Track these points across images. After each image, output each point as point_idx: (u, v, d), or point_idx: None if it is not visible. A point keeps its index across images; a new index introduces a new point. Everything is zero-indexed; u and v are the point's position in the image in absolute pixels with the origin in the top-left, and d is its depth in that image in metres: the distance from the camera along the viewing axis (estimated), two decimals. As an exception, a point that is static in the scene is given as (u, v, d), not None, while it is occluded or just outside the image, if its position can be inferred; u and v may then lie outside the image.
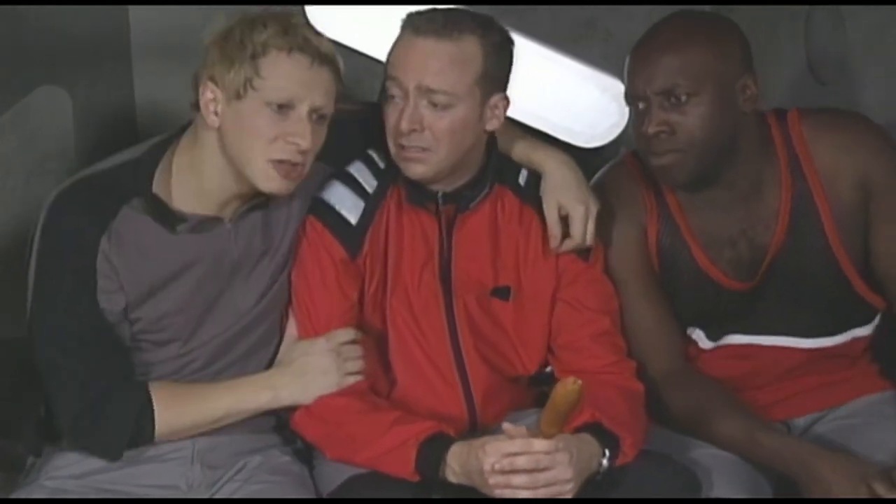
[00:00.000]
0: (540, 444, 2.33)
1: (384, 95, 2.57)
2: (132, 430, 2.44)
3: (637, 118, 2.58)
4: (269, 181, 2.43)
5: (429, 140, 2.50)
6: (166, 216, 2.44)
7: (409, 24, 2.51)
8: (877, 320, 2.72)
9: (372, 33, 3.04)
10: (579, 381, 2.26)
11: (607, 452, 2.40)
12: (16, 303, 2.53)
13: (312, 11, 3.13)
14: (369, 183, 2.58)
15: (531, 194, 2.62)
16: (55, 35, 3.19)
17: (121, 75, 3.39)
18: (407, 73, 2.49)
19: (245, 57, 2.39)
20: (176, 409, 2.46)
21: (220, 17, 2.44)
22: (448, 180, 2.57)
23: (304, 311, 2.55)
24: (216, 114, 2.42)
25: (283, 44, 2.40)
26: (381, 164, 2.59)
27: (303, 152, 2.42)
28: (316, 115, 2.43)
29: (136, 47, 3.41)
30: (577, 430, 2.40)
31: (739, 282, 2.65)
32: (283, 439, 2.61)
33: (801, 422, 2.73)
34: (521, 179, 2.63)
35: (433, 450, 2.41)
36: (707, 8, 3.09)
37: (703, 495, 2.49)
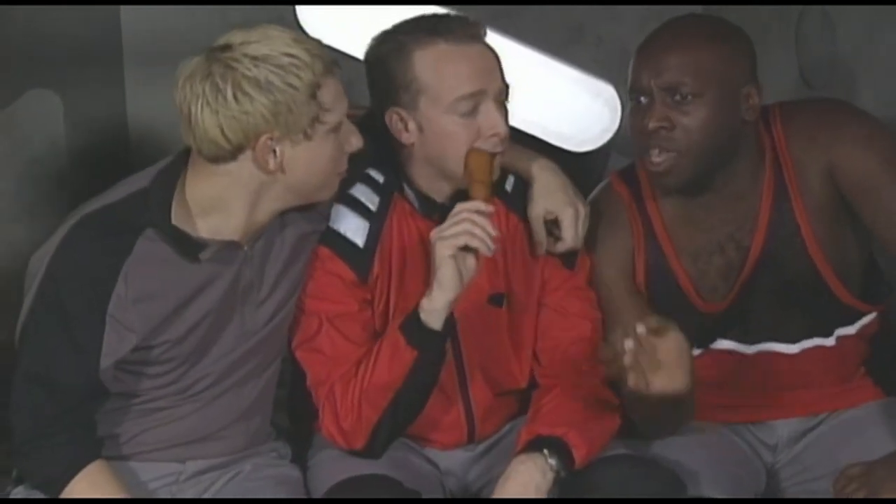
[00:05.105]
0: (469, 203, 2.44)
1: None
2: (57, 474, 2.40)
3: (636, 113, 2.56)
4: (332, 190, 2.47)
5: (505, 138, 2.52)
6: (189, 246, 2.41)
7: (437, 34, 2.48)
8: (866, 320, 2.71)
9: (365, 36, 3.03)
10: (484, 149, 2.46)
11: (550, 452, 2.45)
12: (9, 306, 2.53)
13: (303, 12, 3.13)
14: (372, 200, 2.57)
15: (516, 201, 2.62)
16: (45, 37, 3.18)
17: (112, 77, 3.38)
18: (486, 81, 2.48)
19: (303, 99, 2.34)
20: (90, 493, 2.40)
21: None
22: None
23: (325, 334, 2.54)
24: (275, 158, 2.37)
25: (326, 67, 2.36)
26: (381, 180, 2.58)
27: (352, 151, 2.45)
28: None
29: (127, 49, 3.41)
30: (519, 452, 2.47)
31: (724, 300, 2.64)
32: (275, 448, 2.62)
33: (785, 430, 2.71)
34: (508, 186, 2.64)
35: (409, 317, 2.46)
36: (699, 9, 3.10)
37: (688, 497, 2.50)
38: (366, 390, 2.49)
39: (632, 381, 2.40)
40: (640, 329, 2.38)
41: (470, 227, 2.41)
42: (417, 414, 2.55)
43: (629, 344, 2.37)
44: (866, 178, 2.56)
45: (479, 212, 2.43)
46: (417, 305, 2.47)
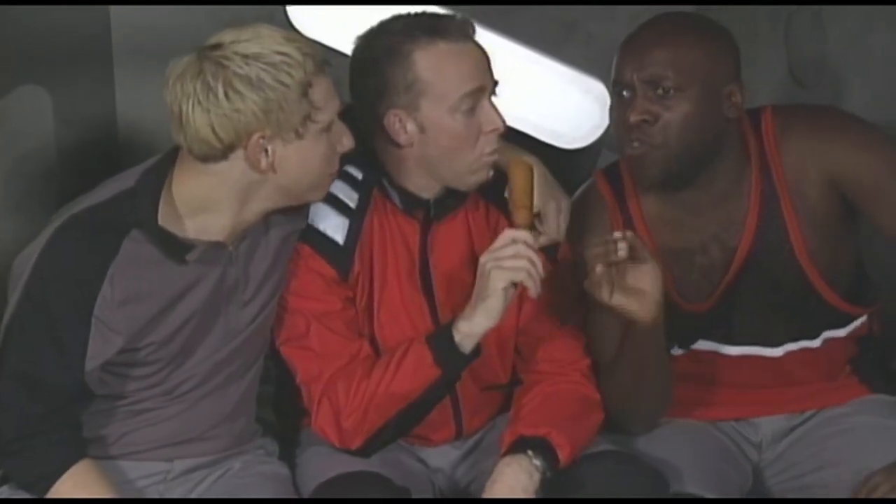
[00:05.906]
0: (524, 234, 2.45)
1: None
2: (43, 474, 2.40)
3: (619, 107, 2.57)
4: (324, 191, 2.47)
5: (503, 133, 2.54)
6: (175, 248, 2.40)
7: (436, 34, 2.47)
8: (857, 323, 2.71)
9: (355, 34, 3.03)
10: (525, 159, 2.47)
11: (535, 453, 2.46)
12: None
13: (294, 12, 3.13)
14: (350, 197, 2.56)
15: (495, 193, 2.60)
16: (36, 35, 3.18)
17: (102, 75, 3.38)
18: (485, 78, 2.50)
19: (294, 98, 2.33)
20: (76, 492, 2.40)
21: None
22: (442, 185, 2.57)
23: (310, 334, 2.54)
24: (267, 157, 2.36)
25: (318, 66, 2.36)
26: (359, 176, 2.58)
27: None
28: None
29: (117, 47, 3.40)
30: (504, 454, 2.48)
31: (707, 301, 2.64)
32: (262, 445, 2.62)
33: (770, 428, 2.71)
34: None
35: (441, 334, 2.47)
36: (690, 8, 3.11)
37: (674, 494, 2.51)
38: (378, 395, 2.49)
39: (600, 269, 2.42)
40: (618, 234, 2.44)
41: (528, 264, 2.42)
42: (418, 424, 2.56)
43: (619, 238, 2.43)
44: (874, 183, 2.58)
45: (529, 245, 2.43)
46: (451, 324, 2.47)
